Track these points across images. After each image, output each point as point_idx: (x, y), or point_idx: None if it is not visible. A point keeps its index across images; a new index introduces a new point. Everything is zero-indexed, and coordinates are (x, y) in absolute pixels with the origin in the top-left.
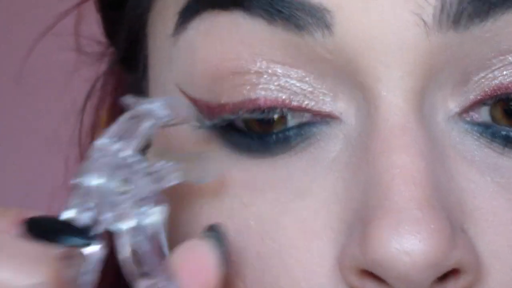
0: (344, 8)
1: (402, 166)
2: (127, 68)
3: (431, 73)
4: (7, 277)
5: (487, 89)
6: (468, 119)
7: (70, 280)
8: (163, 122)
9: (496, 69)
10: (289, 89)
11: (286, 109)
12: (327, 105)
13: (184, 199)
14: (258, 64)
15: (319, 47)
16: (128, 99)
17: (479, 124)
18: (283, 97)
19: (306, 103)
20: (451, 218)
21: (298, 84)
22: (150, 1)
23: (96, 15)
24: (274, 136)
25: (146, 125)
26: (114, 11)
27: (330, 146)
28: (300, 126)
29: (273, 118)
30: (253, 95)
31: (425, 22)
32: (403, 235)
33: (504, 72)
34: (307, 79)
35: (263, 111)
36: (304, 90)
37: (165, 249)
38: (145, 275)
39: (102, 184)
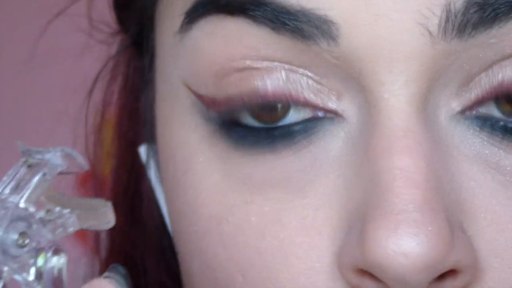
0: (350, 20)
1: (403, 168)
2: (136, 54)
3: (434, 77)
4: None
5: (487, 87)
6: (469, 114)
7: None
8: (57, 172)
9: (497, 69)
10: (296, 81)
11: (292, 101)
12: (331, 102)
13: (187, 192)
14: (264, 65)
15: (325, 54)
16: (22, 147)
17: (478, 118)
18: (290, 88)
19: (312, 97)
20: (451, 219)
21: (305, 81)
22: None
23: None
24: (279, 130)
25: (40, 175)
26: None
27: (331, 145)
28: (305, 122)
29: (278, 107)
30: (260, 85)
31: (430, 32)
32: (401, 237)
33: (506, 72)
34: (313, 77)
35: (269, 101)
36: (310, 86)
37: None
38: None
39: (1, 237)
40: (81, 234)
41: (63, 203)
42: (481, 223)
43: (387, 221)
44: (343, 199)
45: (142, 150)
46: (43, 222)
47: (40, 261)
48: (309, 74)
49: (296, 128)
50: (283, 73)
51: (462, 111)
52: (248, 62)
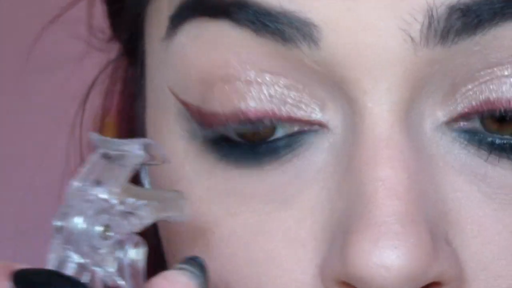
0: (331, 24)
1: (385, 179)
2: (130, 62)
3: (418, 85)
4: None
5: (474, 103)
6: (456, 126)
7: None
8: (139, 164)
9: (483, 82)
10: (278, 98)
11: (275, 119)
12: (315, 113)
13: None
14: (247, 72)
15: (306, 58)
16: (98, 138)
17: (466, 131)
18: (273, 107)
19: (295, 112)
20: (435, 230)
21: (286, 92)
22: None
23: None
24: (264, 146)
25: (120, 167)
26: (117, 3)
27: (315, 157)
28: (289, 136)
29: (260, 128)
30: (243, 106)
31: (412, 38)
32: (382, 249)
33: (491, 87)
34: (295, 87)
35: (253, 122)
36: (293, 98)
37: None
38: None
39: (86, 229)
40: None
41: (138, 194)
42: (467, 234)
43: (369, 234)
44: (327, 211)
45: None
46: (123, 214)
47: (120, 253)
48: (291, 83)
49: (281, 143)
50: (264, 90)
51: (448, 122)
52: (231, 70)
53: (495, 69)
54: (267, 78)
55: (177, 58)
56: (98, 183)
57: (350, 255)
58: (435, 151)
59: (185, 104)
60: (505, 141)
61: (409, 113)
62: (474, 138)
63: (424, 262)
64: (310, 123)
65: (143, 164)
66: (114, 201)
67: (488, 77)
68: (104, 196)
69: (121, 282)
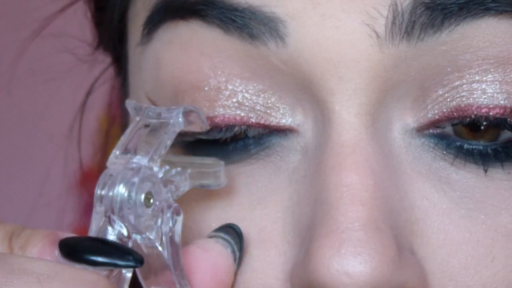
0: (298, 19)
1: (350, 185)
2: (117, 69)
3: (386, 87)
4: None
5: (445, 110)
6: (426, 132)
7: None
8: (179, 131)
9: (454, 88)
10: (247, 105)
11: (244, 126)
12: (285, 118)
13: None
14: (218, 78)
15: (274, 57)
16: (135, 104)
17: (434, 136)
18: (242, 114)
19: (264, 119)
20: (399, 239)
21: (256, 99)
22: (125, 8)
23: None
24: (233, 144)
25: (163, 135)
26: (100, 10)
27: (290, 157)
28: (259, 136)
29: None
30: (211, 113)
31: (377, 33)
32: (344, 256)
33: (462, 93)
34: (265, 93)
35: (221, 130)
36: (262, 105)
37: (181, 258)
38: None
39: (130, 197)
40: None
41: (176, 162)
42: (433, 244)
43: (332, 240)
44: (297, 215)
45: None
46: (163, 182)
47: (160, 221)
48: (261, 88)
49: (251, 141)
50: (234, 97)
51: (419, 129)
52: (202, 75)
53: (465, 73)
54: (237, 84)
55: (152, 64)
56: (138, 151)
57: (313, 261)
58: (403, 157)
59: None
60: (473, 147)
61: (377, 117)
62: (442, 142)
63: (387, 270)
64: (280, 128)
65: (182, 132)
66: (156, 169)
67: (458, 82)
68: (146, 164)
69: (160, 249)
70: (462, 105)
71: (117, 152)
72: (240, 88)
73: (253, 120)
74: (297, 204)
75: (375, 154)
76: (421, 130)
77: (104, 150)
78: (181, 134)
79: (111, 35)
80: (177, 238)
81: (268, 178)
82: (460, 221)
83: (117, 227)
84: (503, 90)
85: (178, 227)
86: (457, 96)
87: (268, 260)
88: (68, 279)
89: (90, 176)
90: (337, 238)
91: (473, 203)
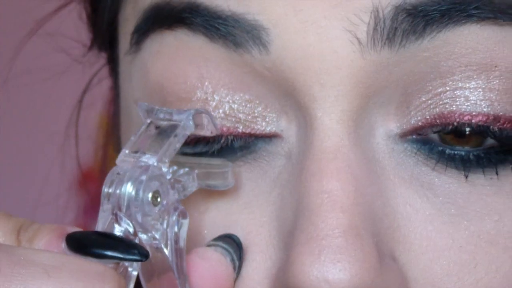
0: (280, 26)
1: (331, 192)
2: (110, 71)
3: (368, 93)
4: None
5: (428, 117)
6: (409, 137)
7: None
8: (189, 134)
9: (437, 95)
10: (233, 116)
11: (231, 136)
12: (270, 125)
13: None
14: (204, 89)
15: (258, 65)
16: (146, 106)
17: (417, 141)
18: (228, 125)
19: (250, 128)
20: (381, 246)
21: (242, 110)
22: (115, 12)
23: None
24: (218, 144)
25: (173, 139)
26: (93, 12)
27: (275, 161)
28: (245, 142)
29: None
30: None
31: (359, 40)
32: (324, 263)
33: (445, 100)
34: (252, 103)
35: (207, 142)
36: (249, 115)
37: (185, 262)
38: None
39: (137, 195)
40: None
41: (184, 163)
42: (415, 250)
43: (312, 247)
44: (281, 219)
45: None
46: (171, 181)
47: (166, 222)
48: (248, 98)
49: (236, 144)
50: (220, 109)
51: (402, 135)
52: (190, 86)
53: (448, 79)
54: (224, 95)
55: (141, 73)
56: (147, 151)
57: (293, 268)
58: (386, 162)
59: None
60: (455, 152)
61: (359, 123)
62: (424, 147)
63: (367, 277)
64: (265, 135)
65: (193, 134)
66: (165, 169)
67: (441, 89)
68: (155, 163)
69: (165, 251)
70: (445, 112)
71: (126, 151)
72: (227, 98)
73: (240, 130)
74: (281, 208)
75: (357, 160)
76: (404, 135)
77: (105, 149)
78: None
79: (103, 38)
80: (182, 243)
81: (255, 181)
82: (443, 227)
83: (124, 225)
84: (486, 98)
85: (184, 231)
86: (440, 103)
87: (254, 265)
88: (75, 270)
89: (91, 175)
90: (317, 245)
91: (456, 209)
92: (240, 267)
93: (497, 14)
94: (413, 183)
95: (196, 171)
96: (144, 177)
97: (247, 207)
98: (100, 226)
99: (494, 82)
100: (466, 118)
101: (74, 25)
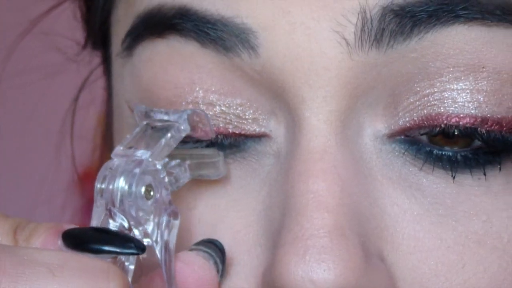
0: (269, 29)
1: (317, 192)
2: (103, 70)
3: (356, 93)
4: None
5: (416, 118)
6: (397, 138)
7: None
8: (183, 135)
9: (425, 96)
10: (224, 118)
11: (221, 136)
12: (260, 126)
13: None
14: (195, 94)
15: (248, 68)
16: (143, 108)
17: (405, 141)
18: (220, 125)
19: (240, 129)
20: (368, 245)
21: (232, 111)
22: (108, 12)
23: None
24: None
25: (167, 137)
26: (87, 12)
27: (264, 160)
28: (234, 141)
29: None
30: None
31: (346, 41)
32: (308, 262)
33: (433, 102)
34: (243, 107)
35: (197, 140)
36: (239, 117)
37: (173, 263)
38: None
39: (130, 189)
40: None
41: (175, 154)
42: (403, 250)
43: (297, 247)
44: (269, 218)
45: None
46: (163, 174)
47: (157, 221)
48: (239, 102)
49: (226, 142)
50: (210, 109)
51: (390, 135)
52: (180, 91)
53: (436, 81)
54: (215, 99)
55: (132, 78)
56: (141, 147)
57: (278, 268)
58: (374, 163)
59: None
60: (443, 152)
61: (347, 123)
62: (412, 147)
63: (352, 277)
64: (254, 135)
65: (188, 136)
66: (159, 167)
67: (429, 90)
68: (147, 158)
69: (156, 248)
70: (433, 114)
71: (121, 148)
72: (219, 102)
73: (230, 131)
74: (269, 207)
75: (344, 161)
76: (392, 136)
77: (103, 148)
78: None
79: (97, 37)
80: (172, 244)
81: (244, 179)
82: (431, 227)
83: (118, 220)
84: (474, 99)
85: (174, 235)
86: (428, 104)
87: (242, 264)
88: (79, 268)
89: (89, 174)
90: (302, 244)
91: (444, 209)
92: (223, 270)
93: (484, 14)
94: (401, 184)
95: (188, 162)
96: (137, 170)
97: (236, 205)
98: (94, 222)
99: (482, 83)
100: (453, 120)
101: (69, 24)
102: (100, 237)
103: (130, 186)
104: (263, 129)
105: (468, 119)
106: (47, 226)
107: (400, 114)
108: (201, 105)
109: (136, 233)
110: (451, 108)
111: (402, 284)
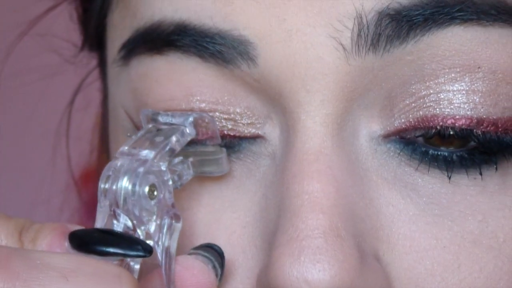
0: (266, 38)
1: (312, 193)
2: (101, 72)
3: (353, 96)
4: None
5: (411, 120)
6: (392, 138)
7: None
8: (188, 139)
9: (420, 98)
10: (219, 122)
11: (217, 138)
12: (255, 129)
13: None
14: (192, 104)
15: (247, 77)
16: (149, 112)
17: (400, 142)
18: (215, 129)
19: (236, 131)
20: (363, 246)
21: (227, 116)
22: (104, 15)
23: None
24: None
25: (173, 141)
26: (84, 13)
27: (260, 161)
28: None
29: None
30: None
31: (343, 46)
32: (303, 263)
33: (428, 103)
34: (240, 115)
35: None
36: (236, 121)
37: (173, 266)
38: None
39: (134, 189)
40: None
41: (178, 153)
42: (399, 250)
43: (292, 248)
44: (265, 220)
45: None
46: (166, 173)
47: (159, 222)
48: (238, 111)
49: (222, 146)
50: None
51: (385, 136)
52: (176, 102)
53: (432, 82)
54: (212, 108)
55: (127, 88)
56: (146, 148)
57: (273, 269)
58: (370, 164)
59: (136, 125)
60: (438, 152)
61: (343, 126)
62: (407, 148)
63: (347, 277)
64: (249, 137)
65: (193, 140)
66: (164, 168)
67: (425, 92)
68: (151, 158)
69: (157, 249)
70: (429, 116)
71: (126, 148)
72: (217, 111)
73: (225, 132)
74: (265, 209)
75: (340, 162)
76: (387, 136)
77: (100, 149)
78: None
79: (93, 39)
80: (173, 247)
81: (240, 180)
82: (427, 227)
83: (122, 220)
84: (470, 100)
85: (175, 238)
86: (424, 106)
87: (236, 265)
88: (91, 273)
89: (87, 175)
90: (297, 245)
91: (440, 209)
92: (222, 274)
93: (480, 15)
94: (397, 184)
95: (191, 159)
96: (141, 169)
97: (231, 206)
98: (99, 223)
99: (478, 84)
100: (449, 121)
101: (66, 26)
102: (106, 238)
103: (133, 185)
104: (258, 132)
105: (463, 120)
106: (52, 227)
107: (396, 115)
108: (197, 110)
109: (139, 233)
110: (446, 110)
111: (397, 284)
